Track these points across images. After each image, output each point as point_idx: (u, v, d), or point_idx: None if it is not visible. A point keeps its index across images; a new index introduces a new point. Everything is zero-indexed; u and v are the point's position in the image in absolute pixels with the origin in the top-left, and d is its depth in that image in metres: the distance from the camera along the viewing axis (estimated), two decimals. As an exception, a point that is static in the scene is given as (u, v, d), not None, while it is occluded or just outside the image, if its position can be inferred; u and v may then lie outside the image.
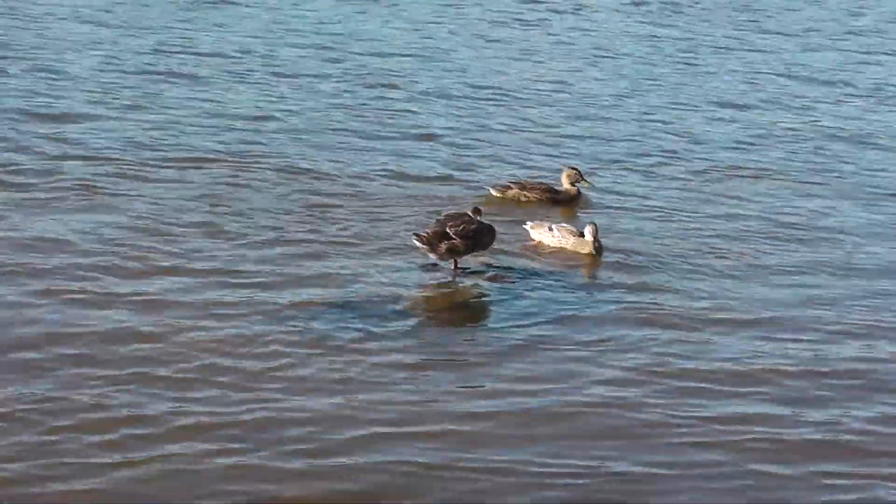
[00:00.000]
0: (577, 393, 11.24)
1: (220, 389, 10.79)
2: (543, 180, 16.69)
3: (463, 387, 11.22)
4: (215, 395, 10.69)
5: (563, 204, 16.39)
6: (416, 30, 24.88)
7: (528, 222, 15.04)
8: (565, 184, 16.57)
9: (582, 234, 14.71)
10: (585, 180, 16.53)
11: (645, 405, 11.11)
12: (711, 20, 28.03)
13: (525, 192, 16.28)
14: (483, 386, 11.29)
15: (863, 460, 10.56)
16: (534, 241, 14.93)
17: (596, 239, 14.56)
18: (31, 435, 9.93)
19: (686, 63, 24.07)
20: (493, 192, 16.22)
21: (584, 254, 14.59)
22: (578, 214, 16.00)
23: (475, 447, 10.23)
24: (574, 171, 16.52)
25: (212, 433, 10.12)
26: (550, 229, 14.85)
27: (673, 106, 21.10)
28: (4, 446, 9.74)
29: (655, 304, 13.22)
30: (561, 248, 14.69)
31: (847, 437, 10.90)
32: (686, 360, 11.99)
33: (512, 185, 16.31)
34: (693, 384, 11.55)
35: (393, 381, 11.20)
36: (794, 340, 12.60)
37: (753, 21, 28.41)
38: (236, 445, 10.00)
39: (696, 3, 29.03)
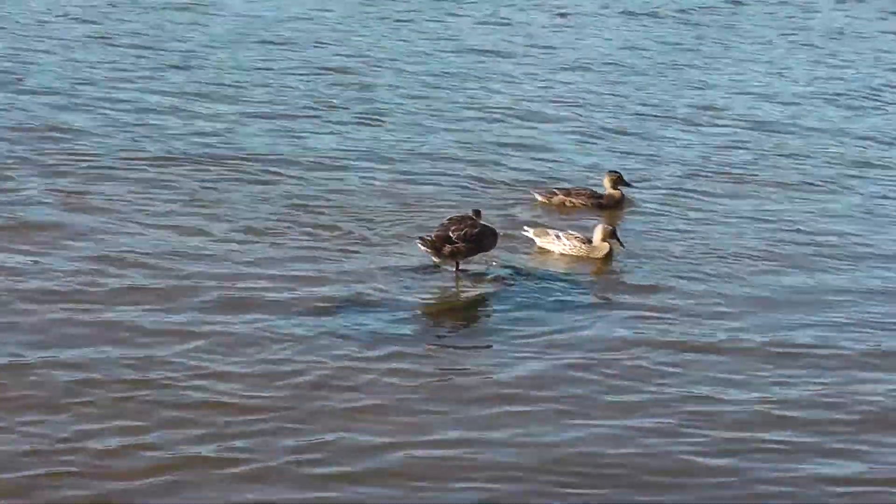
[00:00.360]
0: (593, 417, 11.02)
1: (236, 417, 10.46)
2: (583, 186, 16.59)
3: (481, 411, 10.96)
4: (230, 423, 10.37)
5: (607, 208, 16.25)
6: (403, 39, 24.67)
7: (529, 229, 14.80)
8: (608, 188, 16.40)
9: (590, 240, 14.51)
10: (627, 183, 16.42)
11: (664, 432, 10.83)
12: (700, 25, 27.85)
13: (570, 198, 16.18)
14: (502, 409, 11.03)
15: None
16: (545, 249, 14.62)
17: (608, 242, 14.38)
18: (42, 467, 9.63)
19: (673, 69, 23.72)
20: (539, 198, 16.18)
21: (599, 259, 14.45)
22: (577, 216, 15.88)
23: (503, 477, 10.02)
24: (615, 175, 16.42)
25: (236, 462, 9.84)
26: (558, 237, 14.61)
27: (671, 111, 20.82)
28: (13, 476, 9.45)
29: (671, 326, 12.87)
30: (577, 255, 14.45)
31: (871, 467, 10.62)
32: (702, 386, 11.69)
33: (557, 192, 16.23)
34: (708, 410, 11.26)
35: (412, 404, 10.97)
36: (816, 369, 12.23)
37: (742, 24, 28.24)
38: (256, 467, 9.79)
39: (682, 10, 28.89)
